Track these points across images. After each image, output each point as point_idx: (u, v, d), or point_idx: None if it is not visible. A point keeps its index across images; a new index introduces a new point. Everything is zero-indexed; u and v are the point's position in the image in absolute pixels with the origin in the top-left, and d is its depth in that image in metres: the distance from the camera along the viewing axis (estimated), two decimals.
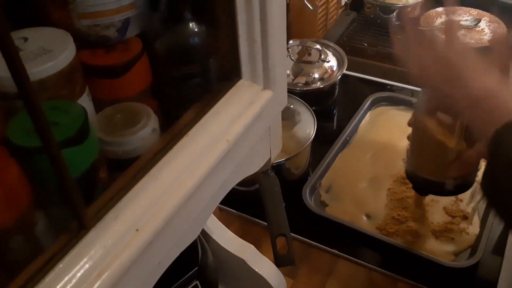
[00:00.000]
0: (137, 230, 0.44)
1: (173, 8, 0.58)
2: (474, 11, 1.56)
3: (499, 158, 0.53)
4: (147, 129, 0.52)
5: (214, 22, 0.56)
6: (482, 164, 0.75)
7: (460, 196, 1.02)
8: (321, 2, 1.47)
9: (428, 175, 0.78)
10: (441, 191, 0.80)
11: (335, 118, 1.32)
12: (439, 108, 0.71)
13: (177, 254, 0.52)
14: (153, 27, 0.58)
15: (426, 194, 0.83)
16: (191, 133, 0.52)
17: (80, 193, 0.39)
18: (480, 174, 0.74)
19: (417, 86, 0.68)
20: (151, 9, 0.57)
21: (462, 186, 0.78)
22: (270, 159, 0.68)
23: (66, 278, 0.39)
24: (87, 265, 0.40)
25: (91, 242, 0.41)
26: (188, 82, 0.60)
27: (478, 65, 0.60)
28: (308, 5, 1.43)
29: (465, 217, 0.98)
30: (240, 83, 0.58)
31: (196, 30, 0.58)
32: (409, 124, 0.80)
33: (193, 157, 0.50)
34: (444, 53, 0.62)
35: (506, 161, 0.52)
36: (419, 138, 0.78)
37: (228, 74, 0.57)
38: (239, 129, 0.54)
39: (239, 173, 0.61)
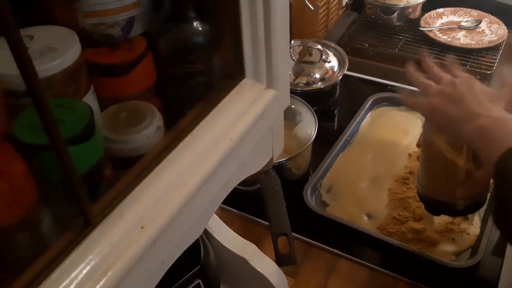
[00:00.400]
0: (142, 227, 0.44)
1: (177, 7, 0.58)
2: (475, 12, 1.57)
3: (505, 181, 0.54)
4: (152, 128, 0.52)
5: (218, 21, 0.56)
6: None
7: None
8: (322, 3, 1.48)
9: (438, 196, 0.79)
10: (453, 212, 0.81)
11: (336, 118, 1.32)
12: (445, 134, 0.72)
13: (180, 253, 0.52)
14: (157, 26, 0.58)
15: (439, 214, 0.84)
16: (195, 131, 0.52)
17: (86, 191, 0.40)
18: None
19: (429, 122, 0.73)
20: (155, 8, 0.57)
21: (473, 206, 0.78)
22: (272, 158, 0.68)
23: (72, 275, 0.39)
24: (93, 262, 0.40)
25: (97, 239, 0.42)
26: (192, 80, 0.61)
27: (486, 101, 0.64)
28: (309, 5, 1.43)
29: (466, 218, 0.99)
30: (244, 82, 0.58)
31: (200, 29, 0.59)
32: (418, 146, 0.81)
33: (197, 156, 0.50)
34: (456, 91, 0.66)
35: (511, 185, 0.54)
36: (428, 159, 0.79)
37: (232, 73, 0.57)
38: (242, 128, 0.54)
39: (242, 172, 0.61)
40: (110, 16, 0.53)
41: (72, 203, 0.40)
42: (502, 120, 0.60)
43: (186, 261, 0.70)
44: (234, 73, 0.57)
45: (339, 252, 0.97)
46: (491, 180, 0.71)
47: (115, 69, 0.55)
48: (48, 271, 0.38)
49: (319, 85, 1.26)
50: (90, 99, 0.50)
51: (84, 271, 0.40)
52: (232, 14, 0.53)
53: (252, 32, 0.55)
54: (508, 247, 0.93)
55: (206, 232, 0.83)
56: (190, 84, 0.61)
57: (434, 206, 0.82)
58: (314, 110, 1.12)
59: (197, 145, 0.51)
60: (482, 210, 1.00)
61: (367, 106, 1.26)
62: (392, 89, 1.35)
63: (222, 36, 0.57)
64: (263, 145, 0.64)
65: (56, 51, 0.47)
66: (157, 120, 0.53)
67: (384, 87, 1.36)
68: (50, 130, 0.35)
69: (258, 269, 0.81)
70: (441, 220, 0.98)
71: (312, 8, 1.44)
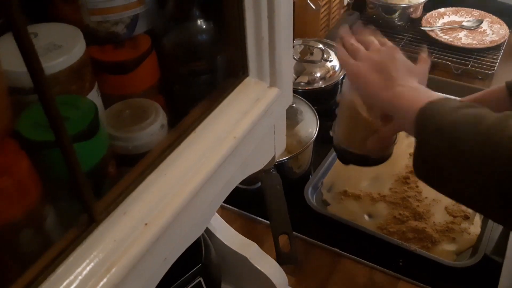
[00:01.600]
0: (145, 225, 0.44)
1: (181, 5, 0.58)
2: (476, 12, 1.57)
3: (427, 129, 0.60)
4: (156, 125, 0.52)
5: (222, 19, 0.56)
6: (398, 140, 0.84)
7: None
8: (324, 2, 1.48)
9: (350, 147, 0.84)
10: (362, 162, 0.87)
11: None
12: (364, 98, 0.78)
13: (182, 251, 0.52)
14: (161, 24, 0.58)
15: (348, 164, 0.89)
16: (199, 129, 0.52)
17: (90, 188, 0.40)
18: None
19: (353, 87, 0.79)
20: (159, 6, 0.57)
21: (380, 159, 0.85)
22: (274, 157, 0.69)
23: (76, 271, 0.39)
24: (96, 259, 0.40)
25: (101, 236, 0.42)
26: (196, 78, 0.61)
27: (404, 73, 0.70)
28: (311, 4, 1.44)
29: (467, 217, 0.99)
30: (247, 80, 0.58)
31: (204, 27, 0.59)
32: (338, 101, 0.86)
33: (201, 154, 0.50)
34: (380, 60, 0.72)
35: (432, 129, 0.59)
36: (344, 114, 0.84)
37: (235, 71, 0.57)
38: (246, 126, 0.54)
39: (244, 171, 0.61)
40: (114, 13, 0.53)
41: (77, 200, 0.40)
42: (416, 88, 0.68)
43: (188, 259, 0.70)
44: (238, 71, 0.57)
45: (340, 251, 0.97)
46: (396, 136, 0.79)
47: (119, 67, 0.56)
48: (53, 267, 0.38)
49: (321, 84, 1.26)
50: (94, 96, 0.50)
51: (88, 268, 0.40)
52: (236, 12, 0.53)
53: (256, 30, 0.55)
54: (509, 246, 0.93)
55: (207, 231, 0.83)
56: (194, 82, 0.61)
57: (345, 156, 0.87)
58: (315, 109, 1.12)
59: (200, 143, 0.51)
60: None
61: None
62: None
63: (226, 34, 0.57)
64: (266, 143, 0.64)
65: (61, 48, 0.47)
66: (161, 118, 0.53)
67: None
68: (56, 127, 0.35)
69: (259, 268, 0.81)
70: (442, 219, 0.98)
71: (313, 7, 1.44)
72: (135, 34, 0.56)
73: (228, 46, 0.58)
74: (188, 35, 0.59)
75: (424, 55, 0.76)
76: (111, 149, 0.49)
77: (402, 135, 1.18)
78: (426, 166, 0.61)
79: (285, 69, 0.60)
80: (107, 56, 0.55)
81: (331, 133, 0.87)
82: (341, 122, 0.85)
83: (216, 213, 0.86)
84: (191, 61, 0.60)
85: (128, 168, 0.47)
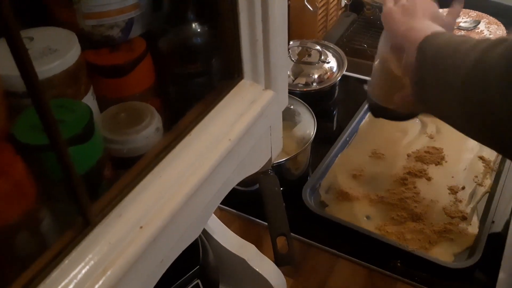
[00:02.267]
0: (141, 227, 0.44)
1: (176, 8, 0.59)
2: (473, 13, 1.57)
3: (424, 58, 0.67)
4: (151, 128, 0.52)
5: (217, 22, 0.56)
6: None
7: (459, 197, 1.03)
8: (321, 3, 1.48)
9: (382, 102, 0.88)
10: (391, 116, 0.91)
11: (335, 118, 1.33)
12: (391, 47, 0.83)
13: (179, 252, 0.53)
14: (156, 27, 0.58)
15: (378, 117, 0.93)
16: (194, 132, 0.52)
17: (86, 190, 0.40)
18: None
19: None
20: (154, 9, 0.58)
21: (408, 115, 0.88)
22: (271, 158, 0.69)
23: (71, 274, 0.39)
24: (92, 262, 0.41)
25: (96, 238, 0.42)
26: (191, 81, 0.61)
27: (429, 19, 0.77)
28: (308, 6, 1.44)
29: (464, 218, 0.99)
30: (242, 82, 0.58)
31: (199, 30, 0.59)
32: (375, 59, 0.91)
33: (196, 156, 0.51)
34: (408, 7, 0.79)
35: (429, 59, 0.66)
36: (377, 68, 0.88)
37: (230, 74, 0.58)
38: (241, 128, 0.55)
39: (241, 173, 0.61)
40: (109, 17, 0.53)
41: (72, 202, 0.40)
42: (428, 24, 0.74)
43: (185, 262, 0.70)
44: (233, 73, 0.58)
45: (338, 252, 0.97)
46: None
47: (114, 70, 0.56)
48: (48, 270, 0.39)
49: (318, 85, 1.26)
50: (89, 99, 0.51)
51: (83, 271, 0.40)
52: (230, 15, 0.53)
53: (250, 33, 0.55)
54: (506, 247, 0.93)
55: (205, 233, 0.84)
56: (189, 85, 0.61)
57: (377, 110, 0.90)
58: (313, 111, 1.12)
59: (196, 146, 0.52)
60: (481, 210, 1.01)
61: (366, 107, 1.26)
62: None
63: (221, 37, 0.57)
64: (262, 145, 0.64)
65: (56, 52, 0.47)
66: (156, 121, 0.53)
67: None
68: (50, 130, 0.35)
69: (257, 270, 0.81)
70: (439, 220, 0.98)
71: (311, 9, 1.45)
72: (130, 38, 0.56)
73: (223, 49, 0.58)
74: (183, 38, 0.59)
75: (456, 7, 0.84)
76: (107, 152, 0.49)
77: (398, 137, 1.18)
78: (419, 91, 0.68)
79: (280, 72, 0.60)
80: (102, 59, 0.55)
81: (365, 87, 0.91)
82: (374, 77, 0.89)
83: (214, 215, 0.86)
84: (186, 63, 0.60)
85: (124, 170, 0.47)
